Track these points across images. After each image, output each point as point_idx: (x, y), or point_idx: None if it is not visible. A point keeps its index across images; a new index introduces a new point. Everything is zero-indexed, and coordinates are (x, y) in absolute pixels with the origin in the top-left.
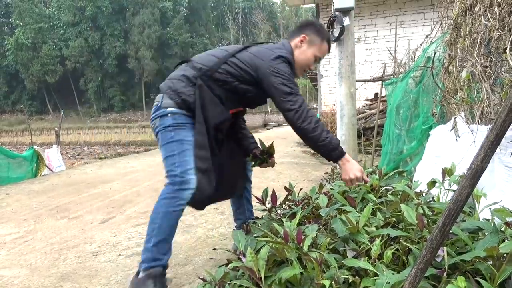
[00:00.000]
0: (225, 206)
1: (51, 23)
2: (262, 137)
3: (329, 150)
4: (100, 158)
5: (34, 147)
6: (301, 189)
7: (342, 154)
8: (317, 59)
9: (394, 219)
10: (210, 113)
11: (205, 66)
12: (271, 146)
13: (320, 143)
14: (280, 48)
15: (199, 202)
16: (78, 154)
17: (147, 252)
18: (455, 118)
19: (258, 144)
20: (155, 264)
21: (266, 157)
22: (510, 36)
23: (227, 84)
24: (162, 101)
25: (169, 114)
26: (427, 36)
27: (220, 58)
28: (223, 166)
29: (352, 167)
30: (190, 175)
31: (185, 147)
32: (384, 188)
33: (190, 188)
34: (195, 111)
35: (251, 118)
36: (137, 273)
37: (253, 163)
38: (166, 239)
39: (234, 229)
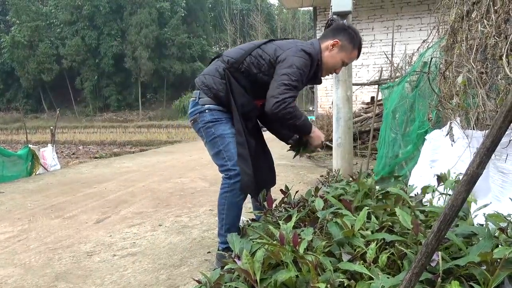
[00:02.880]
0: None
1: (48, 22)
2: None
3: (304, 130)
4: (96, 158)
5: (29, 145)
6: (297, 192)
7: (311, 128)
8: (344, 64)
9: (389, 223)
10: (238, 103)
11: (232, 58)
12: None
13: (295, 127)
14: (305, 44)
15: (244, 183)
16: (73, 153)
17: (222, 237)
18: (450, 123)
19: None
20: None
21: (300, 146)
22: (507, 43)
23: (251, 75)
24: (199, 98)
25: (207, 110)
26: (424, 41)
27: (246, 50)
28: (258, 155)
29: (318, 134)
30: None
31: (227, 140)
32: (381, 192)
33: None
34: (227, 103)
35: None
36: (218, 250)
37: (294, 153)
38: (234, 225)
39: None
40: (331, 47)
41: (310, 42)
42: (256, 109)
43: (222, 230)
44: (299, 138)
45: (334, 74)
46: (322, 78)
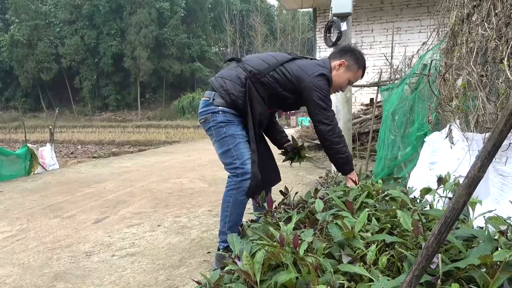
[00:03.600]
0: (220, 208)
1: (47, 21)
2: None
3: (344, 164)
4: (94, 157)
5: (28, 145)
6: (296, 193)
7: (352, 169)
8: (350, 83)
9: (389, 225)
10: (256, 111)
11: (256, 69)
12: (303, 146)
13: (340, 155)
14: (323, 67)
15: (253, 188)
16: (72, 153)
17: (223, 234)
18: (450, 125)
19: (291, 140)
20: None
21: (296, 154)
22: (507, 46)
23: (272, 89)
24: (214, 99)
25: (220, 112)
26: (423, 44)
27: (270, 65)
28: (264, 157)
29: (354, 180)
30: (248, 165)
31: (237, 140)
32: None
33: (249, 177)
34: (243, 110)
35: None
36: (218, 249)
37: (283, 157)
38: (236, 224)
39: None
40: (338, 67)
41: (322, 61)
42: (268, 116)
43: (225, 227)
44: (297, 147)
45: None
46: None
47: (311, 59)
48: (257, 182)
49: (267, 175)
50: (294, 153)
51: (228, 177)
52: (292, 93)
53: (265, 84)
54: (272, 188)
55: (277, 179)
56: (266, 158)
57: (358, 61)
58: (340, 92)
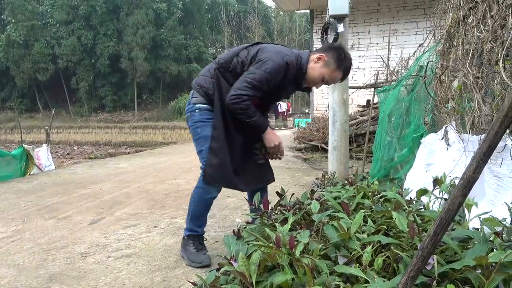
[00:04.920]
0: (216, 210)
1: (43, 21)
2: None
3: (254, 127)
4: (90, 158)
5: (24, 145)
6: (292, 194)
7: (264, 130)
8: (324, 81)
9: (385, 226)
10: (225, 99)
11: (223, 59)
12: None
13: (245, 122)
14: (286, 50)
15: (207, 174)
16: (68, 154)
17: (187, 224)
18: (446, 127)
19: None
20: (192, 233)
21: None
22: (503, 48)
23: (237, 74)
24: (192, 97)
25: (197, 110)
26: (420, 45)
27: (234, 52)
28: (248, 157)
29: (271, 137)
30: None
31: (209, 140)
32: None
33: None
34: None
35: None
36: (183, 237)
37: (257, 154)
38: (199, 217)
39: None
40: (316, 60)
41: (300, 52)
42: None
43: (188, 218)
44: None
45: None
46: (312, 87)
47: (282, 45)
48: (214, 169)
49: (252, 170)
50: (261, 147)
51: (201, 174)
52: None
53: (231, 71)
54: (269, 189)
55: (270, 178)
56: (250, 153)
57: (339, 61)
58: (337, 93)
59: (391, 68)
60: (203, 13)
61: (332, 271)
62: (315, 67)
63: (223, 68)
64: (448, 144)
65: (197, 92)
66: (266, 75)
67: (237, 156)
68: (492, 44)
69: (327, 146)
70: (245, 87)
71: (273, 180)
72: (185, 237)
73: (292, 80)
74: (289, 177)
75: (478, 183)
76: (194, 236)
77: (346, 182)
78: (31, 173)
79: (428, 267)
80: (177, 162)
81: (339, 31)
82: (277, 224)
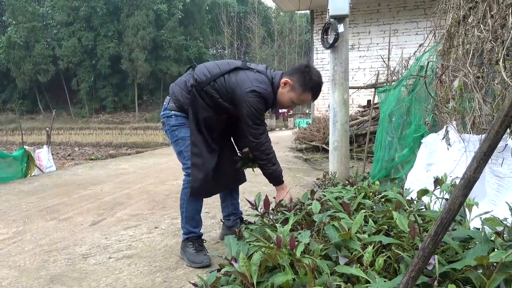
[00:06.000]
0: (217, 210)
1: (44, 22)
2: None
3: (270, 178)
4: (91, 159)
5: (25, 146)
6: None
7: (279, 183)
8: (294, 104)
9: (386, 226)
10: (200, 116)
11: (199, 78)
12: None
13: (264, 169)
14: (260, 82)
15: (194, 190)
16: (69, 155)
17: (183, 228)
18: (446, 127)
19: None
20: (190, 235)
21: (251, 160)
22: (503, 48)
23: (213, 98)
24: (168, 104)
25: (173, 116)
26: (420, 45)
27: (212, 75)
28: (222, 162)
29: (282, 193)
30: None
31: (188, 142)
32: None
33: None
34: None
35: None
36: (182, 240)
37: (239, 163)
38: (193, 218)
39: (221, 220)
40: (283, 85)
41: (272, 76)
42: (221, 121)
43: (182, 222)
44: (247, 155)
45: (331, 76)
46: (283, 109)
47: (257, 71)
48: (200, 183)
49: (228, 175)
50: (248, 159)
51: (183, 176)
52: (231, 104)
53: (207, 92)
54: (269, 189)
55: (241, 179)
56: (226, 160)
57: (304, 83)
58: (337, 94)
59: (392, 68)
60: (204, 14)
61: (333, 272)
62: (283, 92)
63: (199, 87)
64: (449, 144)
65: (172, 101)
66: (256, 110)
67: (216, 165)
68: (492, 43)
69: (328, 147)
70: (252, 131)
71: (245, 180)
72: (184, 240)
73: (269, 106)
74: (290, 178)
75: (479, 183)
76: (193, 237)
77: (347, 182)
78: (32, 174)
79: (429, 267)
80: (178, 163)
81: (339, 32)
82: (277, 225)
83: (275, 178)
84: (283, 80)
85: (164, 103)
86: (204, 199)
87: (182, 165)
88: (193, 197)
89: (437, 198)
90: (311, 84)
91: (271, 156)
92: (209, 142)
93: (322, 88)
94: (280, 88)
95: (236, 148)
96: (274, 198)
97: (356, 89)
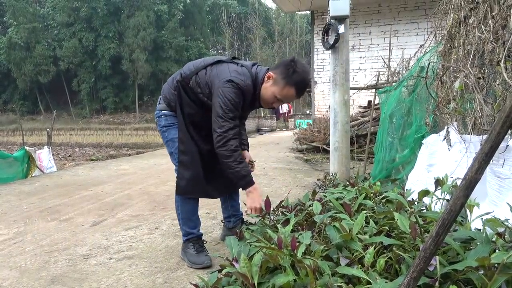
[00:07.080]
0: (217, 211)
1: (45, 23)
2: (255, 142)
3: (237, 178)
4: (92, 160)
5: (25, 147)
6: (292, 195)
7: (248, 184)
8: (278, 100)
9: (387, 227)
10: (185, 112)
11: (184, 73)
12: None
13: (230, 170)
14: (240, 73)
15: (181, 188)
16: (70, 155)
17: (182, 230)
18: (447, 127)
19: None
20: (189, 236)
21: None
22: (504, 49)
23: (197, 95)
24: (159, 103)
25: (162, 116)
26: (421, 46)
27: (196, 68)
28: (218, 164)
29: (255, 198)
30: None
31: (177, 144)
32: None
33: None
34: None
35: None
36: (183, 242)
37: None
38: (189, 219)
39: (222, 221)
40: (267, 79)
41: (257, 70)
42: (207, 119)
43: (180, 224)
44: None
45: (331, 77)
46: (268, 107)
47: (241, 65)
48: (187, 181)
49: (219, 177)
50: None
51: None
52: (209, 99)
53: (192, 88)
54: (271, 190)
55: (224, 192)
56: (216, 161)
57: (287, 77)
58: (338, 94)
59: (392, 69)
60: (204, 15)
61: (334, 272)
62: (266, 86)
63: (185, 82)
64: (450, 145)
65: (162, 100)
66: (231, 101)
67: (206, 165)
68: (493, 44)
69: (329, 147)
70: (222, 123)
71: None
72: (185, 241)
73: (248, 102)
74: (290, 178)
75: (480, 184)
76: (193, 238)
77: (347, 183)
78: (33, 175)
79: (431, 268)
80: None
81: (339, 32)
82: (278, 225)
83: (243, 177)
84: (267, 74)
85: (158, 103)
86: (204, 200)
87: (174, 166)
88: (180, 196)
89: (438, 199)
90: (295, 78)
91: (237, 154)
92: (196, 139)
93: (323, 89)
94: (264, 83)
95: None
96: (245, 204)
97: (357, 90)
